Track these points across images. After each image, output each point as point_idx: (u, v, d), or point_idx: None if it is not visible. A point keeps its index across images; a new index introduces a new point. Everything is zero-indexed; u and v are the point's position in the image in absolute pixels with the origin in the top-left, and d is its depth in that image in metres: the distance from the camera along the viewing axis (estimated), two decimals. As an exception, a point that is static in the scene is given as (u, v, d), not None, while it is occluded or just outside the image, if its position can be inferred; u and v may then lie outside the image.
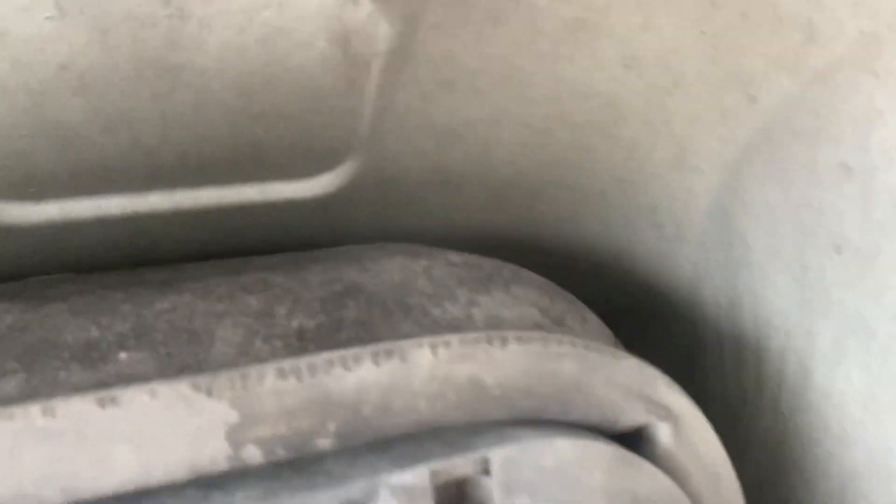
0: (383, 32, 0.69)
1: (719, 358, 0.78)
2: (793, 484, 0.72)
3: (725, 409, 0.80)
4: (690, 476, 0.59)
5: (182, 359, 0.51)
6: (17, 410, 0.44)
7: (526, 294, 0.63)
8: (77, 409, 0.45)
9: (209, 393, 0.47)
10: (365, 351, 0.50)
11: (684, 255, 0.80)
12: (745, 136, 0.70)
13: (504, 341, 0.54)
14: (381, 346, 0.50)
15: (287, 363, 0.48)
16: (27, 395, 0.47)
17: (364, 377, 0.50)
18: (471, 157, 0.85)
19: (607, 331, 0.68)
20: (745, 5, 0.63)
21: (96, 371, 0.50)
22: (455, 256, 0.64)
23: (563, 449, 0.53)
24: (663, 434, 0.58)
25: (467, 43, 0.73)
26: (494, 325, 0.58)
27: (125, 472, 0.45)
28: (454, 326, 0.57)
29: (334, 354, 0.49)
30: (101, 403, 0.45)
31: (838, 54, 0.60)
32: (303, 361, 0.49)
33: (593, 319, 0.67)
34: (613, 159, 0.79)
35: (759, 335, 0.74)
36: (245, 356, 0.52)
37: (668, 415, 0.58)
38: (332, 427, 0.49)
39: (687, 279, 0.81)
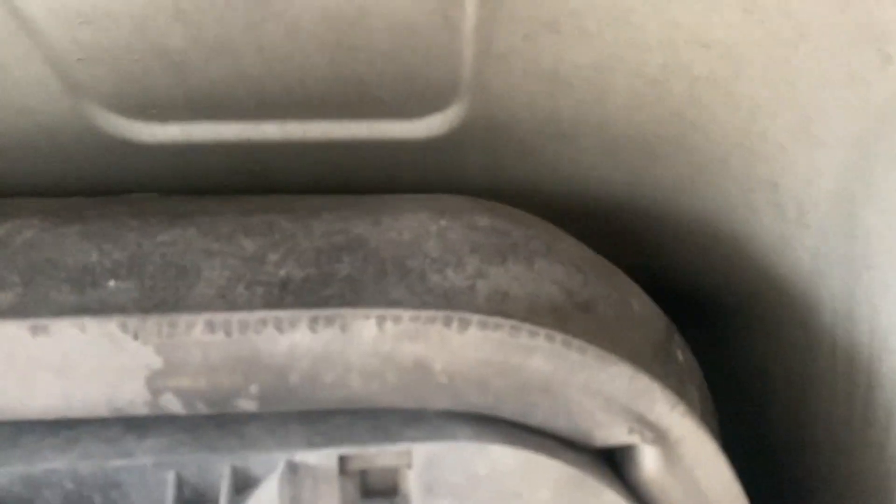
0: (473, -36, 0.61)
1: (831, 374, 0.63)
2: (887, 538, 0.57)
3: (830, 436, 0.64)
4: (680, 512, 0.47)
5: (163, 293, 0.50)
6: (-45, 327, 0.45)
7: (552, 270, 0.54)
8: (10, 334, 0.45)
9: (136, 335, 0.45)
10: (303, 314, 0.45)
11: (804, 243, 0.65)
12: (875, 105, 0.54)
13: (464, 324, 0.46)
14: (322, 312, 0.45)
15: (219, 317, 0.45)
16: (18, 311, 0.48)
17: (297, 342, 0.45)
18: (583, 106, 0.75)
19: (661, 326, 0.56)
20: (877, -63, 0.47)
21: (83, 295, 0.50)
22: (484, 220, 0.56)
23: (501, 457, 0.45)
24: (649, 459, 0.47)
25: (569, -22, 0.63)
26: (498, 300, 0.50)
27: (48, 399, 0.45)
28: (449, 297, 0.50)
29: (269, 314, 0.45)
30: (34, 331, 0.45)
31: None
32: (235, 317, 0.45)
33: (642, 309, 0.56)
34: (734, 121, 0.65)
35: (874, 355, 0.58)
36: (222, 299, 0.50)
37: (660, 438, 0.47)
38: (255, 389, 0.46)
39: (805, 273, 0.66)
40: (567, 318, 0.51)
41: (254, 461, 0.45)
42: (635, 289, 0.58)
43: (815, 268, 0.65)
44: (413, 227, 0.55)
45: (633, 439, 0.47)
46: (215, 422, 0.47)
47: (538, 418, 0.47)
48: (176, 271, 0.52)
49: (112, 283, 0.51)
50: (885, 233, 0.57)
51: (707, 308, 0.82)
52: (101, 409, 0.46)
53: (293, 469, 0.44)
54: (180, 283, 0.51)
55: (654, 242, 0.79)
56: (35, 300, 0.50)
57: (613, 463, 0.50)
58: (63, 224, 0.55)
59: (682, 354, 0.58)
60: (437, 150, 0.82)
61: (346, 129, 0.81)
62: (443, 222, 0.56)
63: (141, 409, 0.46)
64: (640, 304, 0.57)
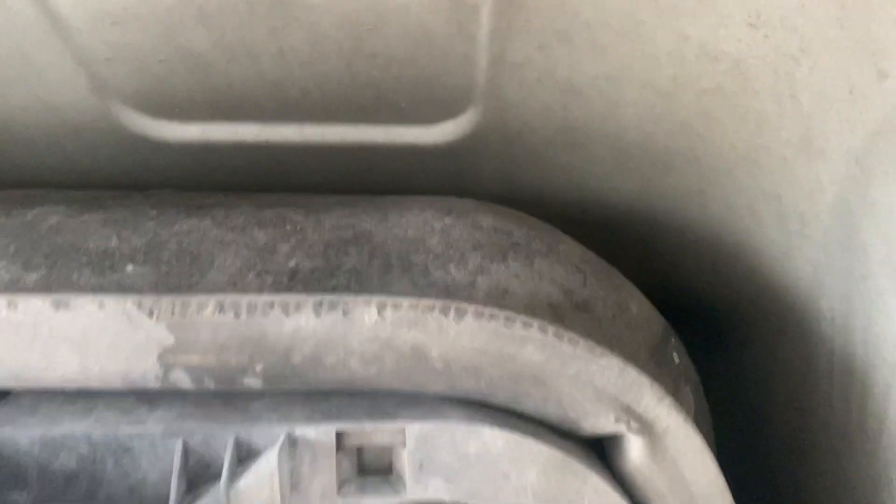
0: (488, -24, 0.66)
1: (828, 383, 0.66)
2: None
3: (826, 442, 0.67)
4: (664, 500, 0.51)
5: (177, 278, 0.55)
6: (-14, 300, 0.50)
7: (552, 270, 0.58)
8: (35, 307, 0.50)
9: (150, 314, 0.50)
10: (308, 299, 0.50)
11: (806, 254, 0.68)
12: (872, 119, 0.57)
13: (461, 313, 0.50)
14: (326, 297, 0.50)
15: (229, 298, 0.50)
16: (41, 290, 0.53)
17: (301, 325, 0.50)
18: (596, 115, 0.79)
19: (658, 328, 0.60)
20: (872, -44, 0.51)
21: (103, 277, 0.55)
22: (488, 219, 0.60)
23: (491, 439, 0.49)
24: (635, 449, 0.50)
25: (580, -9, 0.67)
26: (497, 296, 0.54)
27: (67, 370, 0.50)
28: (451, 291, 0.54)
29: (276, 297, 0.50)
30: (56, 306, 0.50)
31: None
32: (244, 299, 0.50)
33: (640, 312, 0.60)
34: (740, 134, 0.69)
35: (868, 363, 0.61)
36: (233, 286, 0.54)
37: (646, 429, 0.50)
38: (260, 368, 0.50)
39: (806, 283, 0.69)
40: (564, 316, 0.55)
41: (256, 434, 0.49)
42: (634, 291, 0.62)
43: (816, 279, 0.69)
44: (418, 224, 0.60)
45: (619, 429, 0.51)
46: (222, 398, 0.51)
47: (529, 406, 0.51)
48: (190, 258, 0.57)
49: (130, 267, 0.56)
50: (880, 244, 0.60)
51: (710, 317, 0.85)
52: (115, 382, 0.51)
53: (293, 443, 0.49)
54: (194, 270, 0.56)
55: (661, 252, 0.83)
56: (58, 281, 0.55)
57: (601, 454, 0.54)
58: (86, 211, 0.60)
59: (678, 357, 0.61)
60: (451, 156, 0.86)
61: (362, 133, 0.85)
62: (447, 220, 0.60)
63: (153, 384, 0.51)
64: (638, 306, 0.61)
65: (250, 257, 0.56)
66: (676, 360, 0.60)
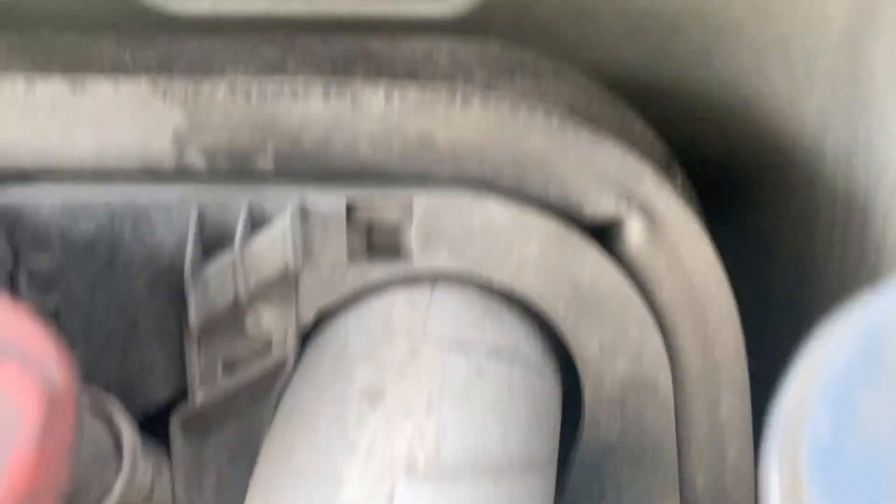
0: None
1: (831, 222, 0.68)
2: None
3: (828, 282, 0.70)
4: (662, 284, 0.53)
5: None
6: (5, 82, 0.53)
7: (558, 87, 0.60)
8: (53, 89, 0.53)
9: (164, 95, 0.53)
10: (317, 84, 0.52)
11: (812, 97, 0.70)
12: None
13: (467, 101, 0.53)
14: (335, 83, 0.52)
15: (240, 82, 0.52)
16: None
17: (310, 110, 0.53)
18: (604, -21, 0.81)
19: (661, 153, 0.62)
20: None
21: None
22: (496, 46, 0.63)
23: (495, 212, 0.52)
24: (634, 230, 0.53)
25: None
26: (505, 108, 0.56)
27: (84, 150, 0.53)
28: (459, 104, 0.57)
29: (286, 80, 0.52)
30: (73, 88, 0.53)
31: None
32: (255, 83, 0.52)
33: (644, 135, 0.62)
34: (749, -20, 0.71)
35: (868, 193, 0.63)
36: (244, 88, 0.57)
37: (645, 212, 0.53)
38: (270, 149, 0.53)
39: (812, 128, 0.71)
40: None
41: (269, 200, 0.52)
42: (638, 118, 0.65)
43: (821, 122, 0.71)
44: (426, 46, 0.62)
45: (619, 210, 0.54)
46: (236, 177, 0.54)
47: (532, 190, 0.54)
48: (202, 70, 0.59)
49: (143, 75, 0.59)
50: (886, 67, 0.62)
51: (715, 182, 0.87)
52: (132, 162, 0.54)
53: (304, 214, 0.52)
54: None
55: (668, 119, 0.85)
56: (74, 82, 0.58)
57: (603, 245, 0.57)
58: (98, 34, 0.63)
59: (680, 180, 0.64)
60: (459, 33, 0.88)
61: (370, 5, 0.87)
62: (455, 44, 0.63)
63: (168, 163, 0.54)
64: (642, 130, 0.64)
65: (260, 70, 0.59)
66: (679, 183, 0.62)
